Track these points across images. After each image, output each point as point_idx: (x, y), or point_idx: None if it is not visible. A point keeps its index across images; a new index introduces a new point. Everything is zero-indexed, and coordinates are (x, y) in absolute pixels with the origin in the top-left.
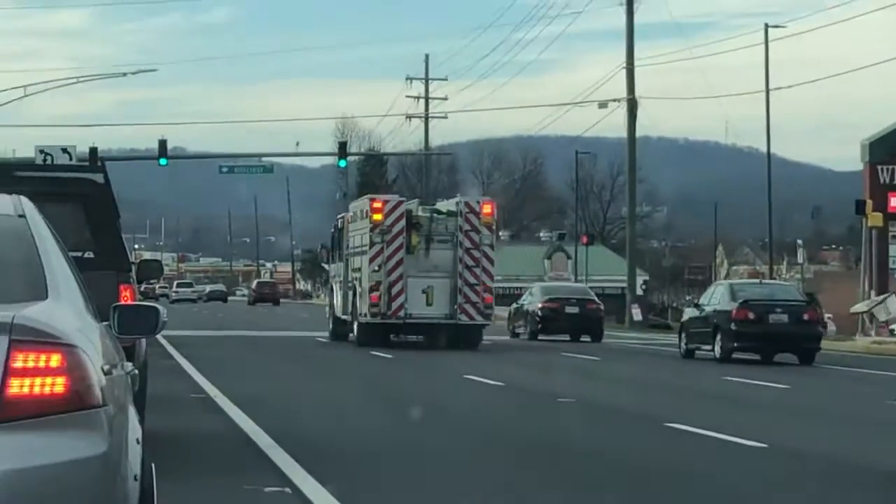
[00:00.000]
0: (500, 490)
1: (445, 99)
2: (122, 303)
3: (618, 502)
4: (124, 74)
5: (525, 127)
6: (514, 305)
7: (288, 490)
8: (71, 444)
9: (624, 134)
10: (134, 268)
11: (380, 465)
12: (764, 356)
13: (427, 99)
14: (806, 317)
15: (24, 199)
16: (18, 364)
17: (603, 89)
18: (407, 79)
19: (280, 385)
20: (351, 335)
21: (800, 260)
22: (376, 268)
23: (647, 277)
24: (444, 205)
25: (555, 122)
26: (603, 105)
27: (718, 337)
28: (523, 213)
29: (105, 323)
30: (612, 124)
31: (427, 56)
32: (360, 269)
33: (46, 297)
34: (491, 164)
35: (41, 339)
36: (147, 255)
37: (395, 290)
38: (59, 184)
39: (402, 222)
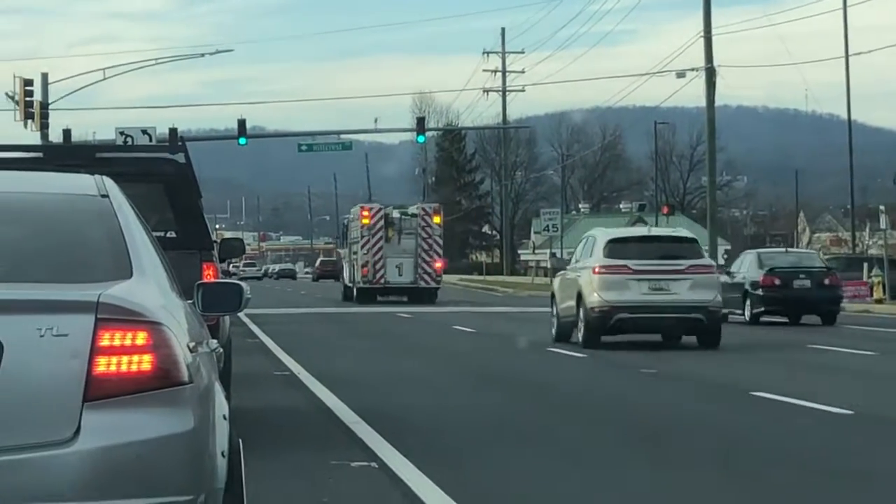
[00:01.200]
0: (587, 464)
1: (522, 72)
2: (206, 281)
3: (718, 479)
4: (202, 55)
5: (603, 98)
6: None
7: (374, 465)
8: (158, 421)
9: (702, 103)
10: (216, 246)
11: (465, 440)
12: (790, 318)
13: (504, 72)
14: (827, 281)
15: (107, 179)
16: (105, 342)
17: (680, 59)
18: (484, 53)
19: (358, 360)
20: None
21: (882, 226)
22: (365, 252)
23: (728, 247)
24: (410, 209)
25: (633, 93)
26: (681, 74)
27: (748, 302)
28: (603, 185)
29: (189, 301)
30: (691, 94)
31: (503, 29)
32: (356, 253)
33: (131, 276)
34: (569, 136)
35: (127, 318)
36: (228, 235)
37: (378, 266)
38: (140, 164)
39: (382, 221)
